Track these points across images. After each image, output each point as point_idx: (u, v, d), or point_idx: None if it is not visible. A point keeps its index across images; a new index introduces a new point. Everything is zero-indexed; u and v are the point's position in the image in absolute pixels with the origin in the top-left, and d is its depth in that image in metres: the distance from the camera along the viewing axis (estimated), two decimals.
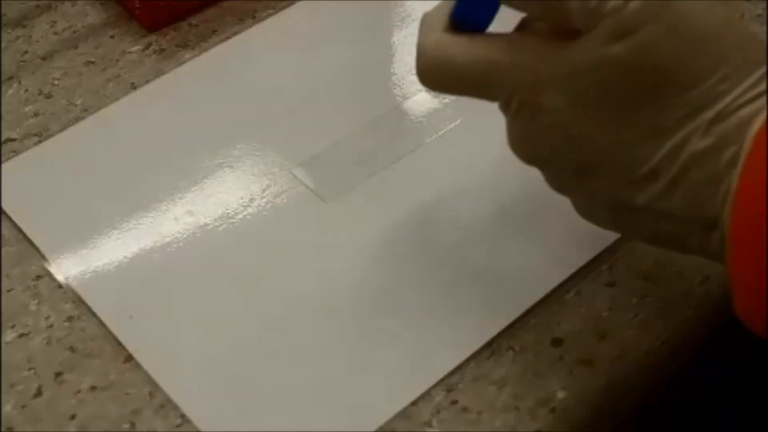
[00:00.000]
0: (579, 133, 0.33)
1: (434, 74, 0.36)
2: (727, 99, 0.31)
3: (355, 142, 0.47)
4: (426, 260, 0.42)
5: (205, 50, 0.52)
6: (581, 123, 0.33)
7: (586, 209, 0.36)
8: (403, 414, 0.38)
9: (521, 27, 0.36)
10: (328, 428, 0.37)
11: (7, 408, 0.38)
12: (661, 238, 0.34)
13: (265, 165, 0.46)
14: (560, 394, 0.38)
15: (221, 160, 0.47)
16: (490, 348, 0.39)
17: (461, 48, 0.35)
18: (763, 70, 0.31)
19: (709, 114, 0.31)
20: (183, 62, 0.52)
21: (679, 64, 0.31)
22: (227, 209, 0.45)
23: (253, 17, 0.54)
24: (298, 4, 0.54)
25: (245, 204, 0.45)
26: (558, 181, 0.36)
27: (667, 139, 0.32)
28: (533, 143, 0.35)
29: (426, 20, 0.36)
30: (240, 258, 0.43)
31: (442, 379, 0.38)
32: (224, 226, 0.44)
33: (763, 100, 0.31)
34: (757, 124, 0.30)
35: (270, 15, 0.54)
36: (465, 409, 0.38)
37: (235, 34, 0.53)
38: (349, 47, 0.52)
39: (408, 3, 0.54)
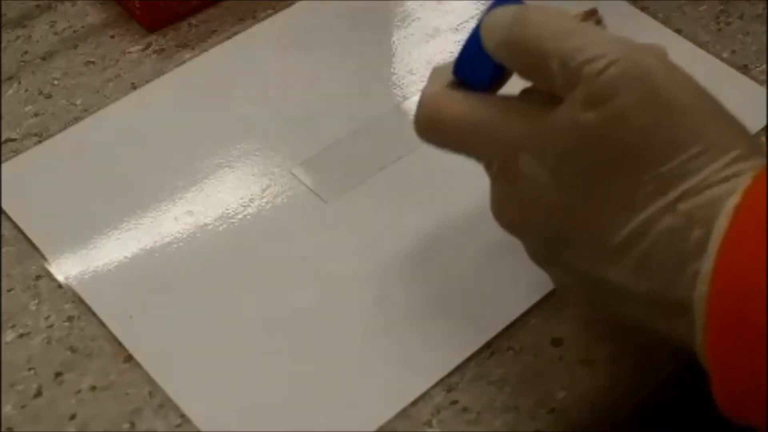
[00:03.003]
0: (554, 202, 0.32)
1: (425, 126, 0.36)
2: (698, 177, 0.30)
3: (355, 142, 0.47)
4: (426, 260, 0.42)
5: (205, 50, 0.52)
6: (556, 192, 0.32)
7: (564, 286, 0.36)
8: (403, 414, 0.38)
9: (524, 93, 0.35)
10: (328, 428, 0.37)
11: (7, 408, 0.38)
12: (635, 323, 0.33)
13: (265, 165, 0.46)
14: (560, 394, 0.38)
15: (221, 160, 0.47)
16: (490, 348, 0.39)
17: (452, 103, 0.34)
18: (738, 151, 0.30)
19: (678, 191, 0.30)
20: (183, 62, 0.52)
21: (652, 136, 0.30)
22: (227, 209, 0.45)
23: (253, 17, 0.54)
24: (298, 4, 0.54)
25: (245, 204, 0.45)
26: (536, 252, 0.35)
27: (637, 213, 0.31)
28: (511, 209, 0.35)
29: (433, 74, 0.36)
30: (240, 258, 0.43)
31: (442, 379, 0.38)
32: (224, 226, 0.44)
33: (736, 181, 0.30)
34: (730, 204, 0.29)
35: (270, 15, 0.54)
36: (465, 409, 0.38)
37: (235, 34, 0.53)
38: (349, 47, 0.52)
39: (408, 3, 0.54)
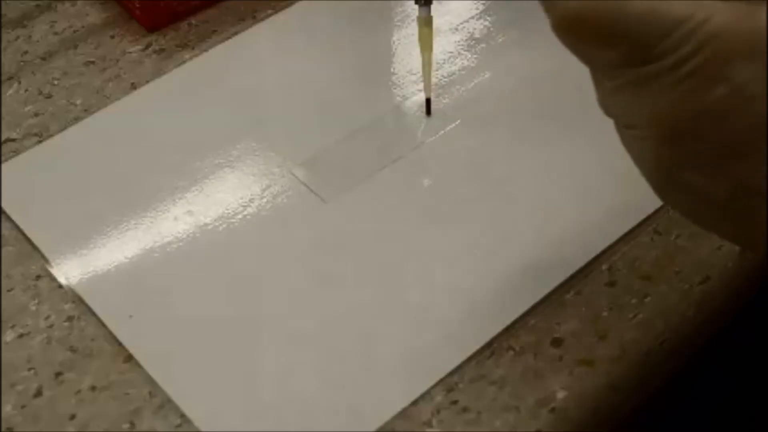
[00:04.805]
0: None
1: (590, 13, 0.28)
2: None
3: (355, 142, 0.47)
4: (426, 260, 0.42)
5: (205, 50, 0.52)
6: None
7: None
8: (403, 414, 0.38)
9: None
10: (328, 428, 0.37)
11: (7, 408, 0.38)
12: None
13: (265, 165, 0.46)
14: (560, 394, 0.38)
15: (221, 160, 0.47)
16: (490, 348, 0.39)
17: None
18: None
19: None
20: (183, 62, 0.52)
21: None
22: (227, 209, 0.45)
23: (253, 17, 0.54)
24: (298, 4, 0.54)
25: (245, 204, 0.45)
26: (667, 160, 0.29)
27: None
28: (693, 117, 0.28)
29: None
30: (240, 258, 0.43)
31: (442, 379, 0.38)
32: (224, 226, 0.44)
33: None
34: None
35: (270, 15, 0.54)
36: (465, 409, 0.38)
37: (235, 34, 0.53)
38: (349, 47, 0.52)
39: (408, 3, 0.54)
